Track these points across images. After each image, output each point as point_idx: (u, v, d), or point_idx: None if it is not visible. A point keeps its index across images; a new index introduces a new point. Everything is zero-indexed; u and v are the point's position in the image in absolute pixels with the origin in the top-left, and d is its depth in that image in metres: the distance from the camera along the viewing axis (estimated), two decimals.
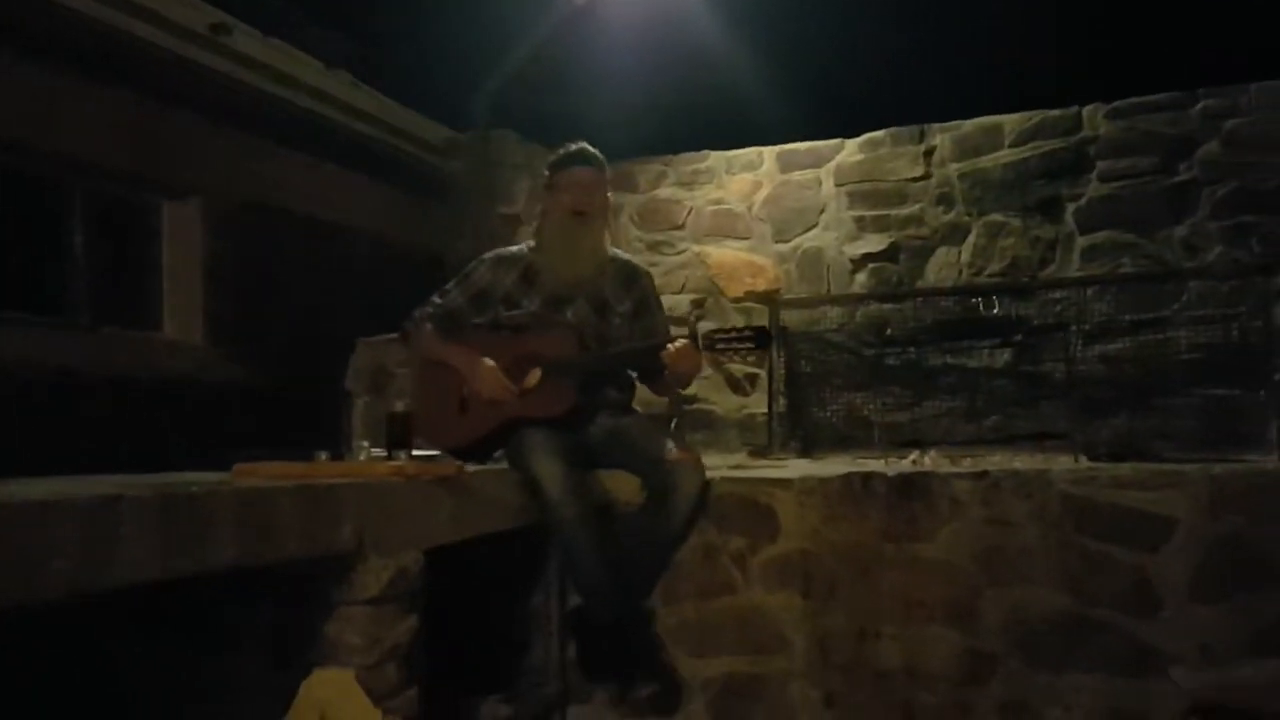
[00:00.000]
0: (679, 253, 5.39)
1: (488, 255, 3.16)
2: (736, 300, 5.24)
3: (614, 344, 3.03)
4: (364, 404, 4.24)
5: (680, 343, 2.76)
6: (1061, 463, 3.03)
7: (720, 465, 4.58)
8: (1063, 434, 4.39)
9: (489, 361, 2.91)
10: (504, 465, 2.88)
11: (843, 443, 4.93)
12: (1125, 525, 2.52)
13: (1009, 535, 2.62)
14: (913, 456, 3.53)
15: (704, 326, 3.15)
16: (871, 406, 4.93)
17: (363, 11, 4.90)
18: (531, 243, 3.17)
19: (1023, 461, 3.22)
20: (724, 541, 2.91)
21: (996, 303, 4.34)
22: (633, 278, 3.16)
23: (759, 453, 4.88)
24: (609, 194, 3.08)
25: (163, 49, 4.23)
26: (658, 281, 5.30)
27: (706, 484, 2.87)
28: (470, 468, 2.78)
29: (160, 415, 4.07)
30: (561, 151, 3.06)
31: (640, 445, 2.91)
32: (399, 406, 2.58)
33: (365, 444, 3.14)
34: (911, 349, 4.88)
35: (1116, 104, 4.60)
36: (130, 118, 4.13)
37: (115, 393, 3.99)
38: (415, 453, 2.66)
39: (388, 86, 5.14)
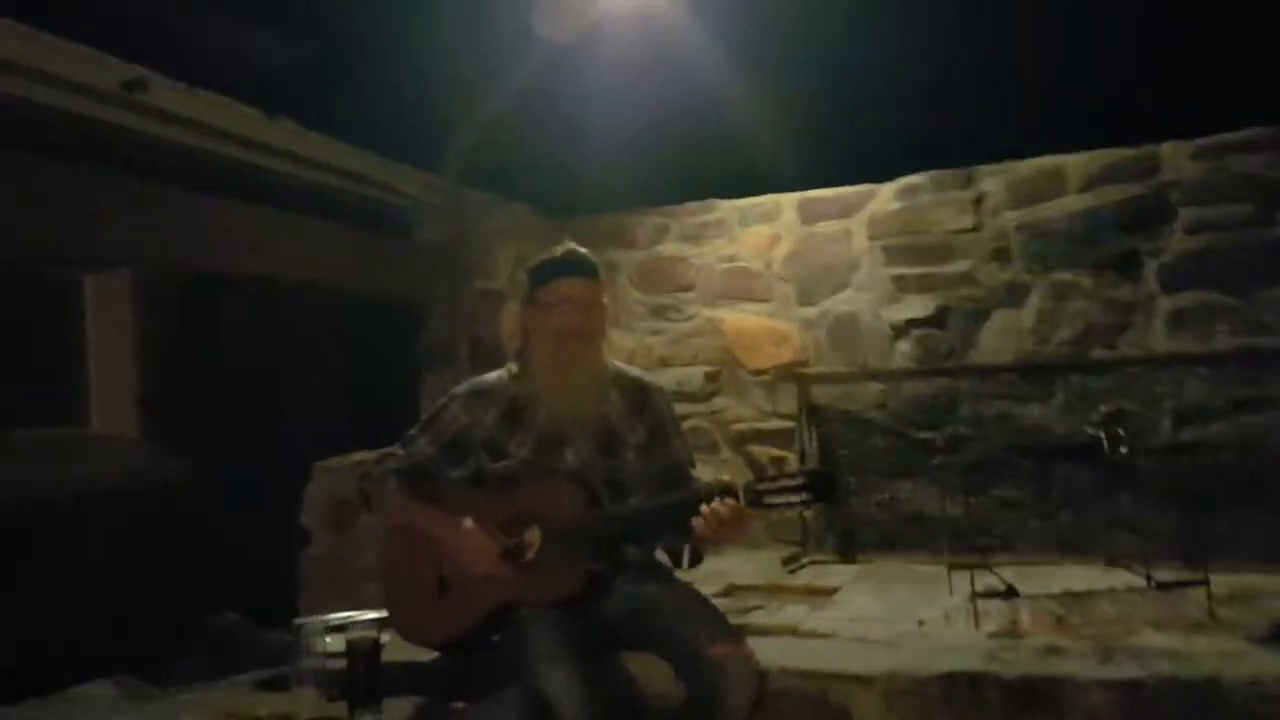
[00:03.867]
0: (688, 318, 4.89)
1: (459, 390, 2.59)
2: (758, 373, 4.73)
3: (630, 486, 2.48)
4: (324, 541, 3.65)
5: (720, 507, 2.18)
6: (1220, 645, 2.47)
7: (749, 575, 4.08)
8: (1136, 529, 3.88)
9: (477, 528, 2.36)
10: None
11: (890, 543, 4.39)
12: None
13: None
14: (986, 583, 2.98)
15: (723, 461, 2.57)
16: (922, 499, 4.40)
17: (310, 48, 4.32)
18: (513, 368, 2.61)
19: (1148, 611, 2.66)
20: None
21: (1122, 440, 3.77)
22: (644, 399, 2.60)
23: (794, 559, 4.33)
24: (605, 301, 2.51)
25: (72, 112, 3.68)
26: (664, 351, 4.95)
27: (763, 681, 2.31)
28: None
29: (87, 528, 3.57)
30: (544, 258, 2.49)
31: (674, 629, 2.35)
32: (361, 634, 2.00)
33: (320, 633, 2.58)
34: (966, 429, 4.36)
35: (1202, 142, 4.07)
36: (40, 185, 3.57)
37: (31, 506, 3.44)
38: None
39: (343, 135, 4.58)
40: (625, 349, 4.90)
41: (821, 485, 2.22)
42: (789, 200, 4.72)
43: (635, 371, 2.66)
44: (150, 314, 4.14)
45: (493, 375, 2.61)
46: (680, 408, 4.64)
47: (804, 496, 2.19)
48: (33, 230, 3.58)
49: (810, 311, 4.66)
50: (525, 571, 2.35)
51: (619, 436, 2.52)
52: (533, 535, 2.37)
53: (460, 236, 4.50)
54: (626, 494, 2.48)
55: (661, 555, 2.69)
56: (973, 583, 3.08)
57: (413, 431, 2.58)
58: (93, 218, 3.74)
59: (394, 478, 2.53)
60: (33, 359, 3.85)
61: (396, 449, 2.57)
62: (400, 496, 2.51)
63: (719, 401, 4.79)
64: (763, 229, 4.76)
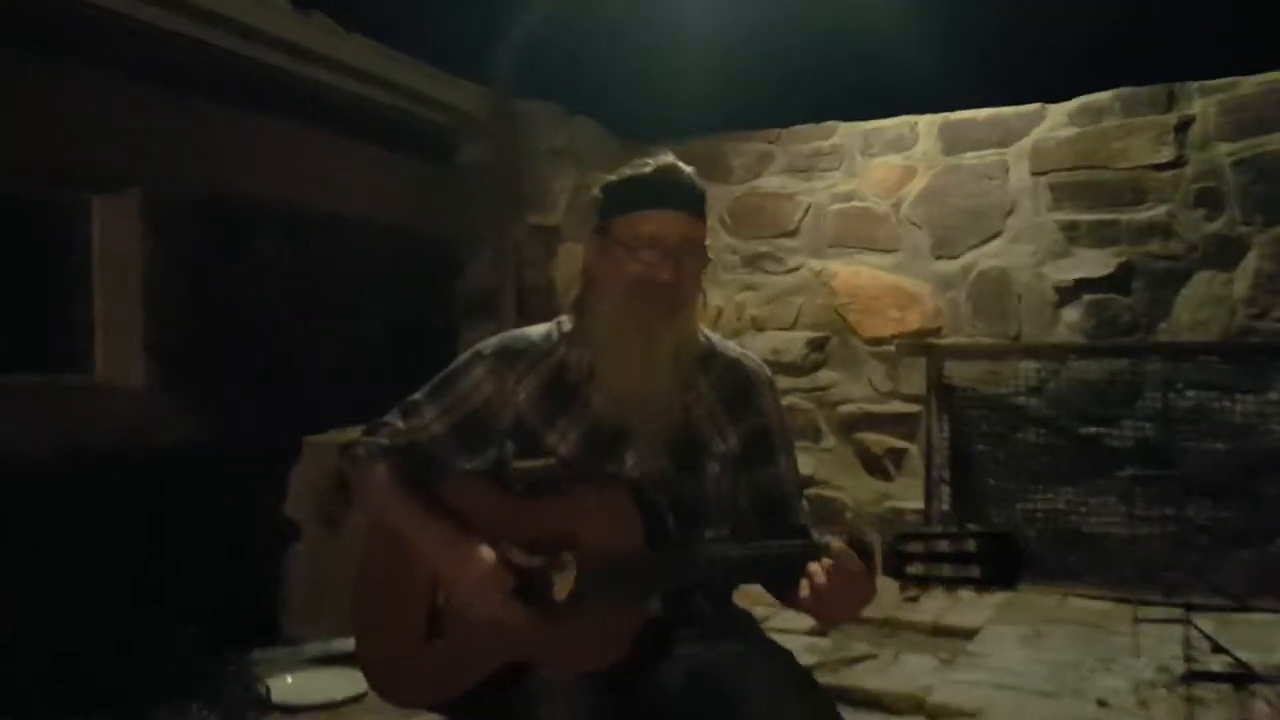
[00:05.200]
0: (790, 270, 4.17)
1: (486, 346, 1.84)
2: (875, 342, 4.00)
3: (708, 514, 1.72)
4: (314, 538, 2.97)
5: (839, 568, 1.42)
6: None
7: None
8: None
9: (486, 552, 1.65)
10: None
11: (1041, 569, 3.54)
12: None
13: None
14: (1179, 636, 2.11)
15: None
16: (1086, 513, 3.55)
17: None
18: (565, 324, 1.85)
19: None
20: None
21: None
22: (746, 393, 1.82)
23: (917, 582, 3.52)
24: (708, 246, 1.74)
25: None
26: (758, 311, 4.17)
27: None
28: None
29: (77, 493, 3.20)
30: (628, 173, 1.72)
31: (749, 716, 1.60)
32: None
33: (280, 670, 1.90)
34: (1149, 426, 3.48)
35: None
36: (37, 89, 3.27)
37: (14, 465, 3.05)
38: None
39: (381, 35, 4.02)
40: (710, 307, 4.16)
41: (1004, 561, 1.42)
42: (928, 124, 3.96)
43: (736, 351, 1.88)
44: (163, 243, 3.79)
45: (536, 331, 1.86)
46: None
47: (975, 573, 1.40)
48: (29, 142, 3.30)
49: (948, 266, 3.89)
50: (549, 621, 1.63)
51: (702, 441, 1.77)
52: (566, 569, 1.64)
53: (510, 159, 3.79)
54: (701, 524, 1.74)
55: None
56: (1188, 655, 2.23)
57: (417, 397, 1.86)
58: (100, 128, 3.47)
59: (384, 458, 1.81)
60: (29, 293, 3.54)
61: (394, 418, 1.86)
62: (389, 487, 1.80)
63: (824, 376, 4.08)
64: (892, 160, 4.00)
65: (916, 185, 3.94)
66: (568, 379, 1.75)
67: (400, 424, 1.84)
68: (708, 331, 1.79)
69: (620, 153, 4.04)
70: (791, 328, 4.11)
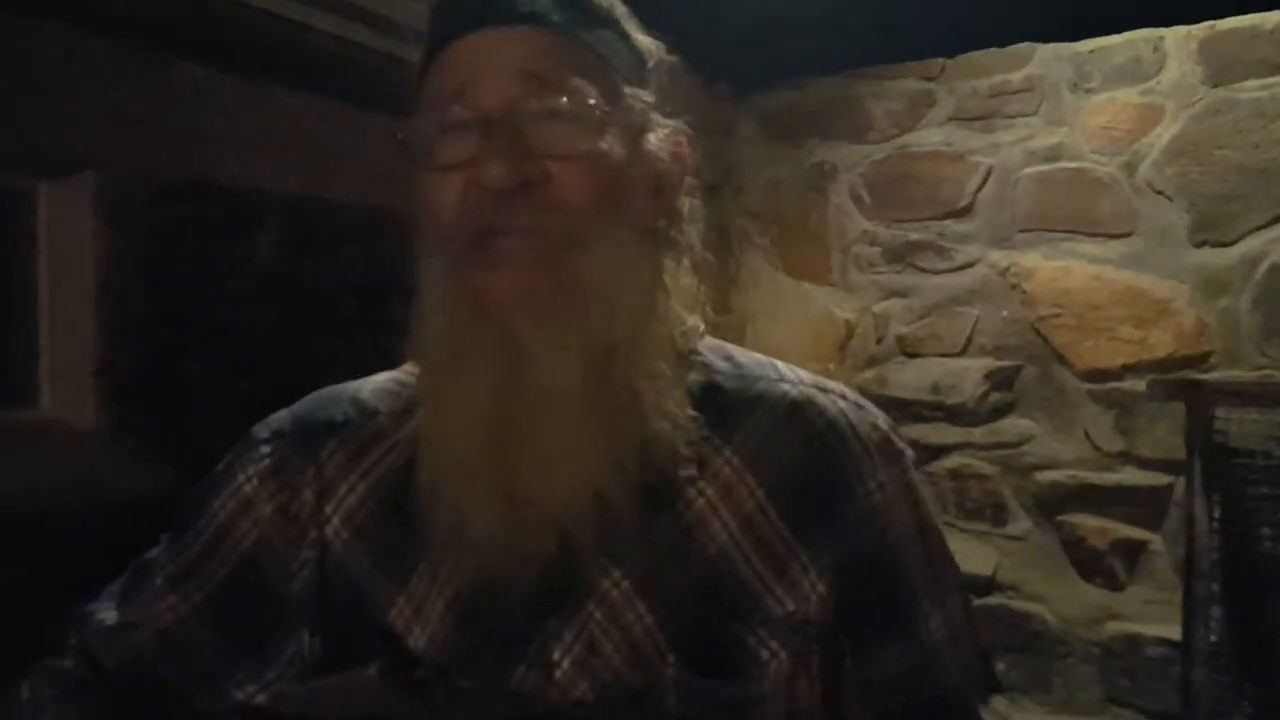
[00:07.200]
0: (959, 267, 3.07)
1: (267, 424, 0.95)
2: (1097, 377, 2.86)
3: None
4: None
5: None
6: None
7: None
8: None
9: None
10: None
11: None
12: None
13: None
14: None
15: None
16: None
17: None
18: (415, 372, 0.91)
19: None
20: None
21: None
22: (833, 466, 0.84)
23: None
24: (622, 112, 0.80)
25: None
26: (908, 329, 2.85)
27: None
28: None
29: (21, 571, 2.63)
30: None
31: None
32: None
33: None
34: None
35: None
36: None
37: None
38: None
39: None
40: (838, 321, 3.18)
41: None
42: (1180, 39, 2.80)
43: (803, 382, 0.89)
44: (121, 240, 3.31)
45: (368, 386, 0.98)
46: (936, 433, 2.97)
47: None
48: None
49: (1219, 258, 2.73)
50: None
51: (739, 596, 0.82)
52: None
53: None
54: None
55: None
56: None
57: (155, 552, 0.97)
58: (45, 107, 2.89)
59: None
60: None
61: (102, 609, 0.96)
62: None
63: (1012, 426, 2.97)
64: (1123, 96, 2.86)
65: (1164, 134, 2.80)
66: (413, 486, 0.86)
67: (110, 614, 0.93)
68: (722, 343, 0.90)
69: (694, 94, 3.05)
70: (962, 353, 3.03)
